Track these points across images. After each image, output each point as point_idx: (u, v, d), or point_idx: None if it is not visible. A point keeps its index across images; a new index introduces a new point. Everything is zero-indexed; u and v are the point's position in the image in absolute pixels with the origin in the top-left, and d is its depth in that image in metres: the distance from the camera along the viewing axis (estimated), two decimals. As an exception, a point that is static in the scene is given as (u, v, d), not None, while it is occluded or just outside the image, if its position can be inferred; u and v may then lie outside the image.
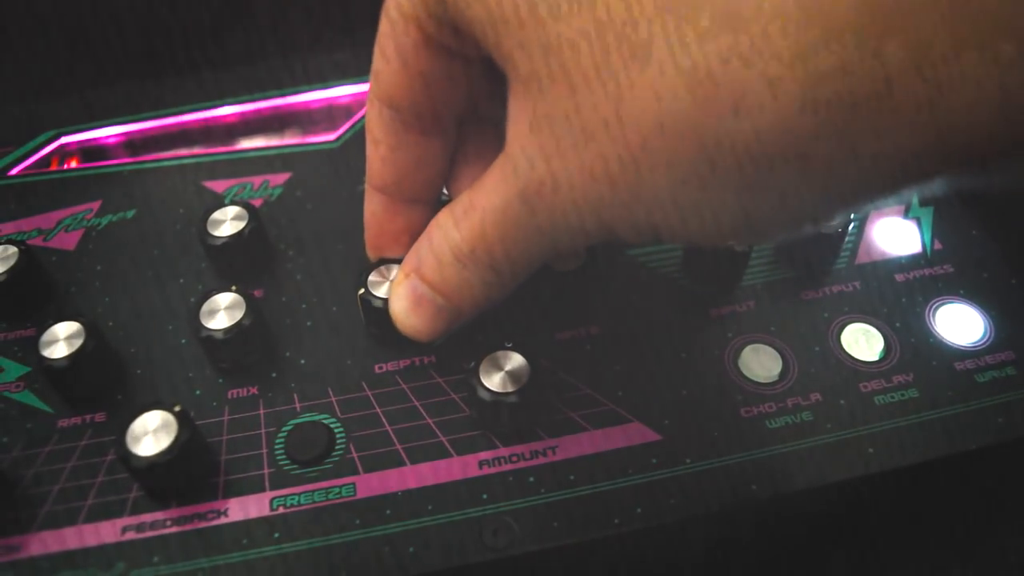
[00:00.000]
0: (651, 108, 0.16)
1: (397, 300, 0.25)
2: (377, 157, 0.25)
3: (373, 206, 0.27)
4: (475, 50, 0.20)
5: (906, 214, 0.33)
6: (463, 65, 0.22)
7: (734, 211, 0.17)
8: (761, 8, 0.14)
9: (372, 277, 0.28)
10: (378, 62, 0.23)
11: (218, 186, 0.35)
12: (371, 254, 0.28)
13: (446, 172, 0.26)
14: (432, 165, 0.26)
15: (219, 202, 0.32)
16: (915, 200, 0.33)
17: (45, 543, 0.24)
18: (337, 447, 0.26)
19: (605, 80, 0.16)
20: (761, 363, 0.28)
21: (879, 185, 0.16)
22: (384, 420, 0.27)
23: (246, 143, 0.37)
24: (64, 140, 0.37)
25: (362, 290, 0.27)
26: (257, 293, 0.30)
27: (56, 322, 0.27)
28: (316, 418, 0.27)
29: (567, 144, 0.18)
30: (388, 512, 0.24)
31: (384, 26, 0.22)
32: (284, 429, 0.26)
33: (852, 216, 0.31)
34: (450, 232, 0.23)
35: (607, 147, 0.17)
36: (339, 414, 0.27)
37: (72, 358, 0.26)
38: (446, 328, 0.24)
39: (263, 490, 0.25)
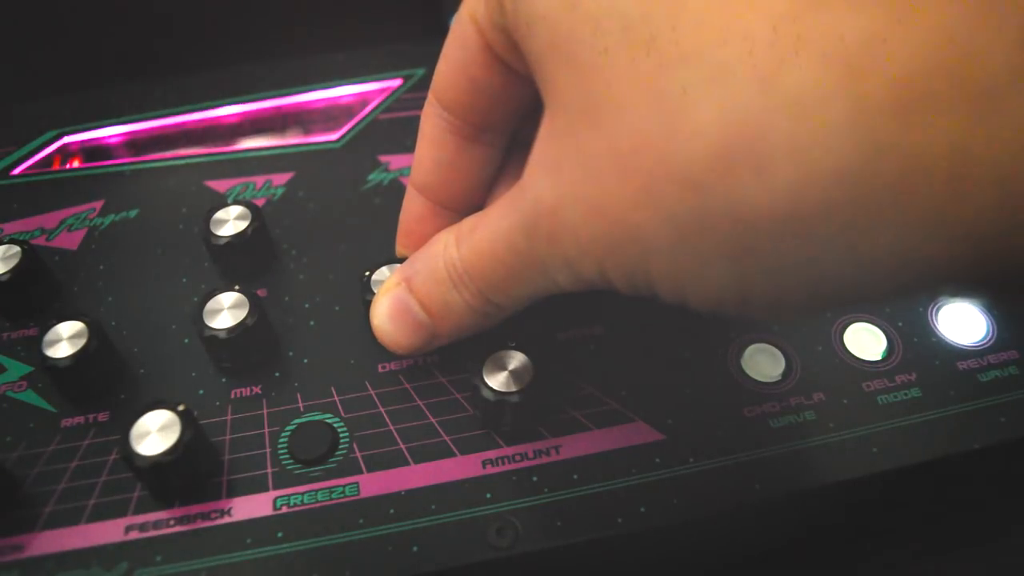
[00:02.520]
0: (667, 155, 0.16)
1: (380, 305, 0.25)
2: (423, 155, 0.26)
3: (410, 205, 0.27)
4: (528, 70, 0.20)
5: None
6: (517, 82, 0.22)
7: (728, 281, 0.17)
8: (795, 77, 0.14)
9: (375, 277, 0.28)
10: (440, 59, 0.23)
11: (220, 186, 0.35)
12: (399, 251, 0.28)
13: (486, 186, 0.26)
14: (473, 175, 0.26)
15: (222, 202, 0.32)
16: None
17: (48, 543, 0.24)
18: (340, 446, 0.26)
19: (630, 119, 0.16)
20: (764, 363, 0.28)
21: (879, 284, 0.16)
22: (387, 419, 0.27)
23: (248, 143, 0.37)
24: (66, 140, 0.37)
25: (366, 273, 0.28)
26: (260, 292, 0.30)
27: (59, 321, 0.27)
28: (319, 417, 0.27)
29: (579, 178, 0.18)
30: (392, 511, 0.24)
31: (453, 25, 0.23)
32: (287, 428, 0.26)
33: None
34: (450, 249, 0.23)
35: (618, 188, 0.17)
36: (342, 413, 0.27)
37: (75, 357, 0.26)
38: (419, 346, 0.25)
39: (266, 490, 0.25)
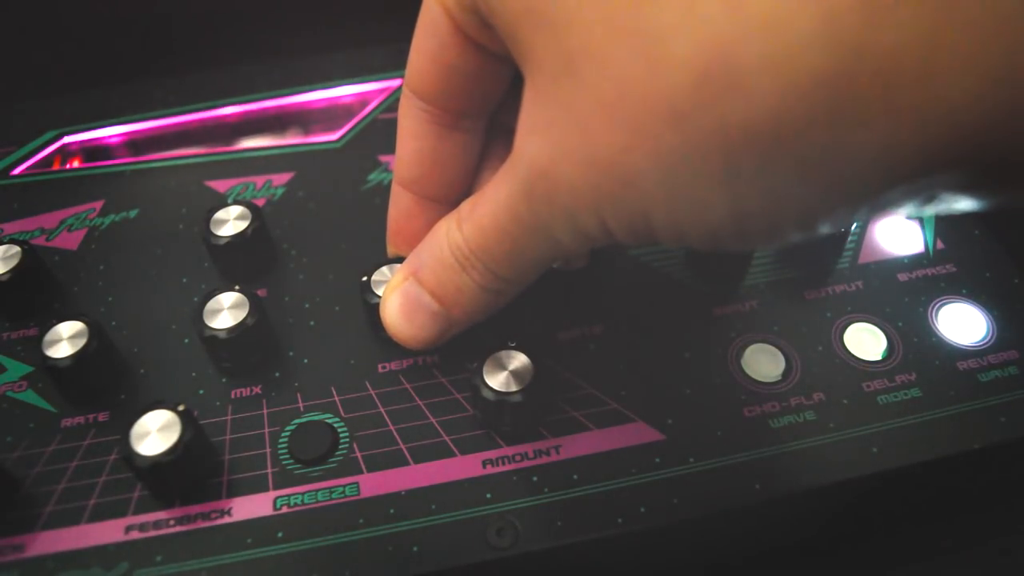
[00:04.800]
0: (651, 92, 0.16)
1: (390, 303, 0.25)
2: (404, 150, 0.26)
3: (397, 202, 0.27)
4: (502, 47, 0.20)
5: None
6: (492, 63, 0.23)
7: (724, 210, 0.17)
8: None
9: (375, 277, 0.28)
10: (412, 51, 0.23)
11: (220, 186, 0.35)
12: (390, 250, 0.28)
13: (470, 174, 0.26)
14: (456, 164, 0.26)
15: (222, 202, 0.32)
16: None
17: (48, 543, 0.24)
18: (340, 446, 0.26)
19: (610, 66, 0.16)
20: (764, 362, 0.28)
21: (872, 186, 0.16)
22: (387, 419, 0.27)
23: (248, 143, 0.37)
24: (67, 140, 0.37)
25: (363, 278, 0.28)
26: (260, 292, 0.30)
27: (59, 322, 0.27)
28: (319, 417, 0.27)
29: (569, 133, 0.18)
30: (392, 511, 0.24)
31: (421, 15, 0.23)
32: (287, 428, 0.26)
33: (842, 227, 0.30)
34: (452, 233, 0.23)
35: (606, 134, 0.17)
36: (342, 413, 0.27)
37: (75, 357, 0.26)
38: (437, 337, 0.25)
39: (266, 490, 0.25)
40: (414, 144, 0.25)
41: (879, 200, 0.16)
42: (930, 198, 0.16)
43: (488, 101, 0.24)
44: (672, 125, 0.16)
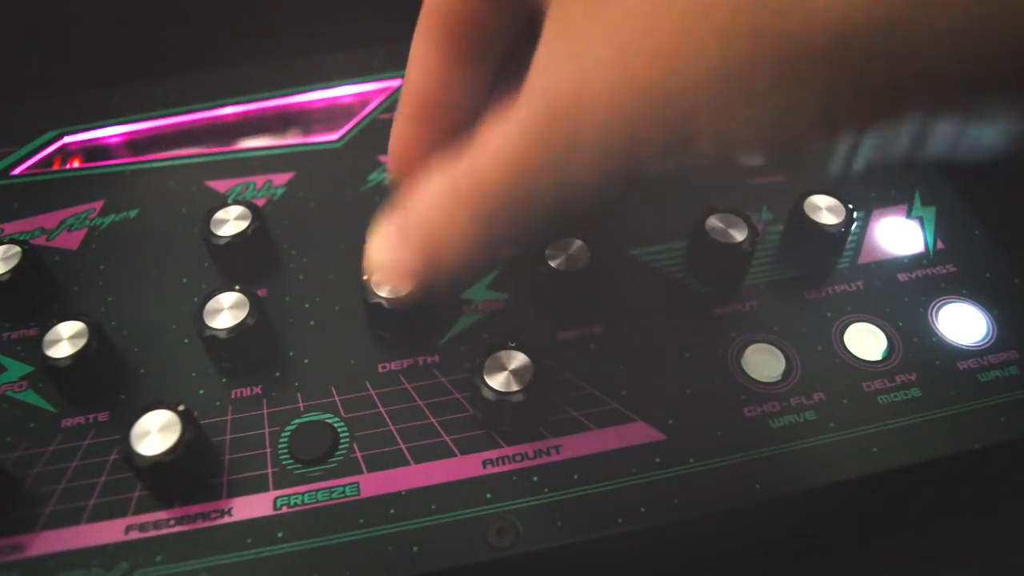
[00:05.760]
0: None
1: (376, 240, 0.23)
2: (413, 80, 0.25)
3: (402, 128, 0.26)
4: None
5: (909, 214, 0.33)
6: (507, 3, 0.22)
7: (775, 115, 0.16)
8: None
9: (375, 278, 0.28)
10: None
11: (220, 186, 0.35)
12: (390, 177, 0.27)
13: (475, 116, 0.25)
14: (462, 99, 0.25)
15: (222, 202, 0.32)
16: (917, 200, 0.33)
17: (48, 542, 0.24)
18: (341, 446, 0.26)
19: None
20: (764, 362, 0.28)
21: (941, 86, 0.15)
22: (387, 419, 0.27)
23: (248, 143, 0.37)
24: (67, 140, 0.37)
25: (365, 277, 0.28)
26: (260, 292, 0.30)
27: (59, 322, 0.27)
28: (320, 417, 0.27)
29: (605, 49, 0.17)
30: (392, 511, 0.24)
31: None
32: (288, 428, 0.26)
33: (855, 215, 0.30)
34: (454, 166, 0.21)
35: (654, 42, 0.16)
36: (342, 413, 0.27)
37: (75, 357, 0.26)
38: (419, 278, 0.22)
39: (267, 489, 0.25)
40: (422, 74, 0.24)
41: (946, 97, 0.15)
42: (996, 101, 0.16)
43: (499, 41, 0.24)
44: (726, 31, 0.15)
